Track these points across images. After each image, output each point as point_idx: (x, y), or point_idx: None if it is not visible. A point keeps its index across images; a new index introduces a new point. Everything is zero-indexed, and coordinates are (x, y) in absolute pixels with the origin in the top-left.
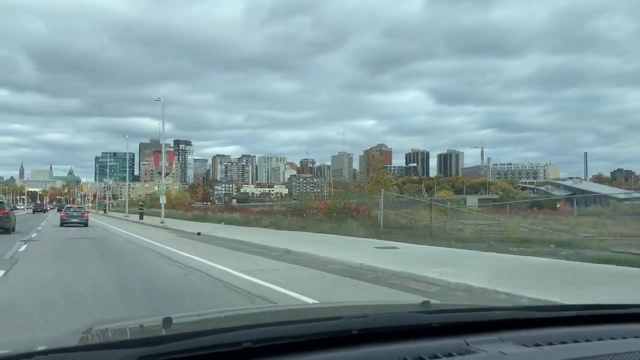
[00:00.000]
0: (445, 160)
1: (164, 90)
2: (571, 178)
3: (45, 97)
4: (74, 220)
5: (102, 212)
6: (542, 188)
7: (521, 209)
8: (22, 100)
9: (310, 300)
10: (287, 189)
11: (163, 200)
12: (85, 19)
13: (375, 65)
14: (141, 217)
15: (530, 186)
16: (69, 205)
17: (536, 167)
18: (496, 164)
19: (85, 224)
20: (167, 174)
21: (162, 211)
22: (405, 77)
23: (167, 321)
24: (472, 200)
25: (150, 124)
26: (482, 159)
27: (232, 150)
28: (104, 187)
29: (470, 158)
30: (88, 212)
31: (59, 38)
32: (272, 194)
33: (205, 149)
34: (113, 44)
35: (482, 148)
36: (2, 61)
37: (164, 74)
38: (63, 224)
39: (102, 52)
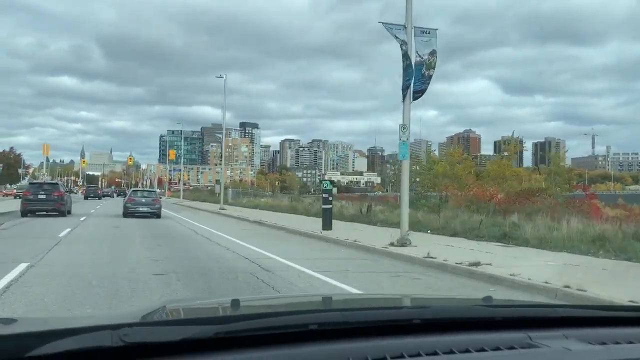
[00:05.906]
0: (543, 149)
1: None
2: None
3: (112, 85)
4: (142, 209)
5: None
6: None
7: None
8: (91, 88)
9: None
10: (379, 177)
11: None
12: (154, 7)
13: (442, 54)
14: None
15: None
16: (135, 189)
17: None
18: (617, 154)
19: (157, 215)
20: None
21: None
22: (473, 66)
23: (235, 303)
24: None
25: (211, 112)
26: (593, 147)
27: None
28: (170, 171)
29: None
30: (160, 198)
31: (128, 26)
32: (361, 183)
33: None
34: (180, 32)
35: (593, 135)
36: (75, 49)
37: (227, 63)
38: (127, 213)
39: (169, 40)
